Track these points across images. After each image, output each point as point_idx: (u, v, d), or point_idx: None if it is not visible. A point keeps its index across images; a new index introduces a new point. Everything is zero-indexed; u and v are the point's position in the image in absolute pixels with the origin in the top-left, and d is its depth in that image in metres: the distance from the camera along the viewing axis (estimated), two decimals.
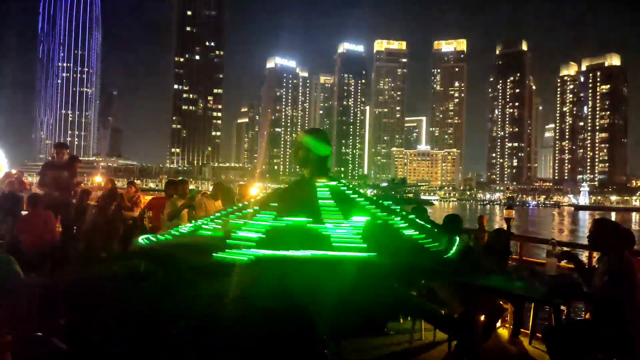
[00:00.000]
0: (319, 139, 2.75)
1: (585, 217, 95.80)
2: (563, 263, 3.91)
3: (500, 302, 4.27)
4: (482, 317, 3.98)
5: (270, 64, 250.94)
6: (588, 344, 3.06)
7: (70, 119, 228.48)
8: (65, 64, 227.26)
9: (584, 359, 3.12)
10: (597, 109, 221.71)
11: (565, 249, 3.90)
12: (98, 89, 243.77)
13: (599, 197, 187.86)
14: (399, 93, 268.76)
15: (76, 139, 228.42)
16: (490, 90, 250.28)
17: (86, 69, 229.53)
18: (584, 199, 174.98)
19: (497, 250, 4.50)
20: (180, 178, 8.51)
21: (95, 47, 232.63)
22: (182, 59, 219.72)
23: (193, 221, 2.86)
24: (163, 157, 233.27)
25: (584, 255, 4.36)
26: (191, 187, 7.82)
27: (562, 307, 3.84)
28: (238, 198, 7.37)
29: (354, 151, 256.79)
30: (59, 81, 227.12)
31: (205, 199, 7.03)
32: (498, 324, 4.60)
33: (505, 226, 5.54)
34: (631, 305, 2.96)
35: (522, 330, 4.46)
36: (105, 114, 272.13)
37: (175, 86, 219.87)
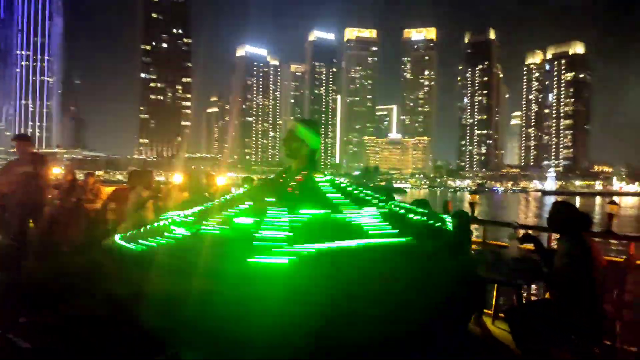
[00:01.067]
0: (314, 130, 2.73)
1: (551, 202, 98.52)
2: (524, 245, 3.93)
3: None
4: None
5: (240, 52, 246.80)
6: (549, 323, 3.17)
7: (30, 109, 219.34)
8: (24, 52, 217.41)
9: (545, 338, 3.21)
10: (562, 96, 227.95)
11: (527, 231, 3.82)
12: (60, 78, 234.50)
13: (563, 182, 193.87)
14: (369, 81, 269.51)
15: (37, 130, 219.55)
16: (459, 78, 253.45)
17: (47, 57, 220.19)
18: (550, 184, 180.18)
19: (458, 232, 4.36)
20: (146, 169, 8.36)
21: (56, 34, 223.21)
22: (148, 47, 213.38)
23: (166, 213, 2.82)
24: (131, 148, 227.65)
25: (544, 238, 4.21)
26: (160, 178, 7.54)
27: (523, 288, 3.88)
28: (205, 188, 7.14)
29: (326, 140, 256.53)
30: (18, 70, 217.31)
31: (172, 190, 6.96)
32: None
33: (471, 211, 5.54)
34: (588, 286, 3.07)
35: (485, 310, 4.53)
36: (68, 104, 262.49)
37: (142, 75, 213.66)
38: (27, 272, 6.14)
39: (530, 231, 3.81)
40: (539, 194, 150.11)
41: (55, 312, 4.31)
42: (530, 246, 3.67)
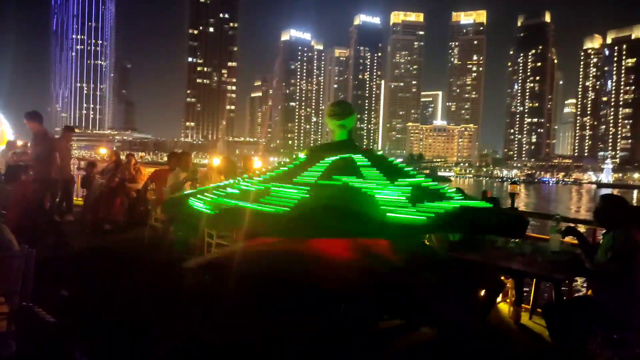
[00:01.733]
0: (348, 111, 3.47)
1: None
2: (568, 239, 3.88)
3: (501, 278, 4.28)
4: (482, 292, 4.03)
5: (284, 37, 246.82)
6: (587, 320, 3.09)
7: (85, 92, 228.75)
8: (79, 36, 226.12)
9: (583, 335, 3.14)
10: (622, 83, 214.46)
11: (570, 224, 3.81)
12: (112, 62, 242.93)
13: (621, 175, 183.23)
14: (415, 67, 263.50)
15: (91, 112, 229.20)
16: (510, 63, 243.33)
17: (100, 42, 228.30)
18: (607, 177, 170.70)
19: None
20: (185, 151, 8.39)
21: (109, 19, 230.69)
22: (195, 31, 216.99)
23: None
24: (177, 130, 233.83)
25: (589, 232, 4.27)
26: (205, 161, 7.69)
27: (564, 284, 3.84)
28: (243, 171, 7.19)
29: (369, 126, 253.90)
30: (73, 54, 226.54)
31: (210, 172, 7.08)
32: (499, 299, 4.57)
33: (509, 201, 5.38)
34: (632, 283, 2.99)
35: (523, 305, 4.43)
36: (120, 87, 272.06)
37: (190, 59, 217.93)
38: (71, 247, 6.25)
39: (572, 224, 3.81)
40: (593, 186, 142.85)
41: (93, 288, 4.43)
42: (574, 240, 3.60)
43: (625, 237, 3.03)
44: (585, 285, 4.27)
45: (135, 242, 6.82)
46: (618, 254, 2.99)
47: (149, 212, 7.24)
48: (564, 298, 3.60)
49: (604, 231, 3.36)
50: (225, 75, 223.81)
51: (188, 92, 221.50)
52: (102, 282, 4.66)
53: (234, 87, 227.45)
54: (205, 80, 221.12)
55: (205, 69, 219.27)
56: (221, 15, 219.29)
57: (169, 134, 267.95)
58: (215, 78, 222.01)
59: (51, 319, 2.30)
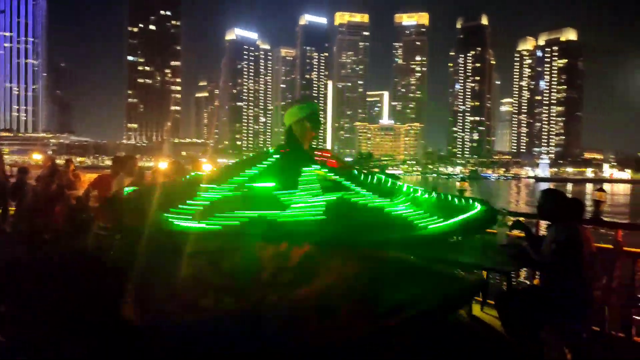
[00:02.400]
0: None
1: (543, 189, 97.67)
2: (513, 232, 3.99)
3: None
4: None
5: (230, 36, 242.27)
6: (537, 308, 3.21)
7: (15, 92, 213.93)
8: (7, 34, 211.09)
9: (534, 323, 3.25)
10: (554, 83, 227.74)
11: (517, 218, 3.88)
12: (45, 61, 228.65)
13: (556, 169, 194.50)
14: (361, 67, 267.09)
15: (23, 114, 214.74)
16: (451, 64, 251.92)
17: (31, 39, 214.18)
18: (543, 171, 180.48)
19: None
20: (129, 155, 8.20)
21: (40, 15, 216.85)
22: (135, 29, 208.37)
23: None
24: (119, 133, 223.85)
25: (533, 225, 4.38)
26: (151, 164, 7.24)
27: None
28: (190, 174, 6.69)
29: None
30: (2, 52, 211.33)
31: (157, 176, 6.77)
32: None
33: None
34: (577, 273, 3.14)
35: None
36: (54, 88, 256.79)
37: (130, 58, 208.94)
38: (6, 259, 5.97)
39: (521, 218, 3.84)
40: (531, 180, 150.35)
41: (28, 303, 4.25)
42: (520, 233, 3.74)
43: (567, 230, 3.18)
44: (531, 276, 4.38)
45: (78, 251, 6.15)
46: (562, 246, 3.14)
47: (91, 219, 6.59)
48: (515, 289, 3.68)
49: (547, 224, 3.47)
50: (169, 75, 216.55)
51: (129, 92, 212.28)
52: (46, 294, 4.40)
53: (178, 87, 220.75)
54: (147, 80, 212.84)
55: (147, 68, 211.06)
56: (162, 12, 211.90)
57: (110, 136, 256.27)
58: (158, 78, 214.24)
59: None
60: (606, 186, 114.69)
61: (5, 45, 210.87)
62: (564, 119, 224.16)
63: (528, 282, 4.95)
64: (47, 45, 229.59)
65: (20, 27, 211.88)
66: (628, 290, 3.67)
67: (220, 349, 2.58)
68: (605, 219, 4.43)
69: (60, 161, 9.48)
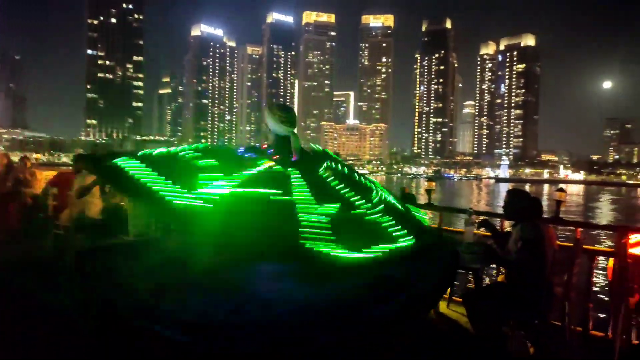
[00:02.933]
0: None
1: (504, 189, 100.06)
2: (479, 231, 4.10)
3: None
4: None
5: (195, 32, 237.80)
6: (502, 304, 3.31)
7: None
8: None
9: (499, 319, 3.38)
10: (513, 87, 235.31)
11: (484, 218, 4.00)
12: None
13: (514, 170, 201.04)
14: (327, 67, 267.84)
15: None
16: (416, 66, 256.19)
17: None
18: (504, 172, 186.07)
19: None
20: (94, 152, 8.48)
21: None
22: (95, 22, 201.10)
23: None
24: (78, 129, 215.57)
25: (497, 223, 4.45)
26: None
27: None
28: None
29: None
30: None
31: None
32: None
33: (427, 197, 5.67)
34: (540, 269, 3.25)
35: None
36: (7, 81, 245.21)
37: (89, 51, 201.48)
38: None
39: (487, 218, 3.97)
40: (492, 181, 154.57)
41: None
42: (485, 232, 3.84)
43: (532, 228, 3.30)
44: (496, 273, 4.46)
45: (36, 252, 6.32)
46: (527, 244, 3.24)
47: (49, 219, 6.56)
48: (482, 286, 3.75)
49: (512, 223, 3.59)
50: (131, 70, 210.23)
51: (88, 87, 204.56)
52: (6, 298, 4.41)
53: (140, 83, 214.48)
54: (108, 75, 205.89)
55: (107, 62, 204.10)
56: (124, 5, 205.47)
57: (67, 132, 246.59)
58: (120, 73, 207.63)
59: None
60: (562, 186, 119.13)
61: None
62: (522, 121, 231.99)
63: (492, 279, 4.97)
64: (1, 36, 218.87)
65: None
66: (585, 287, 3.84)
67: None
68: (565, 218, 4.60)
69: (15, 158, 9.04)
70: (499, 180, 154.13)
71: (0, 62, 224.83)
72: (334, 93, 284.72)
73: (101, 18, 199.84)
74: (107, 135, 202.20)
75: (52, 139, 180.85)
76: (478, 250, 3.69)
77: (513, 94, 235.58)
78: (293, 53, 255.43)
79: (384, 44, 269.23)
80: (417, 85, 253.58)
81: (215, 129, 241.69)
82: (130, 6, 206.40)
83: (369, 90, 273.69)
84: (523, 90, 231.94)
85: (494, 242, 3.65)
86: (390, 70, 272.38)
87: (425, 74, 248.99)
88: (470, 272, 3.74)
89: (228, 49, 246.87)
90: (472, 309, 3.39)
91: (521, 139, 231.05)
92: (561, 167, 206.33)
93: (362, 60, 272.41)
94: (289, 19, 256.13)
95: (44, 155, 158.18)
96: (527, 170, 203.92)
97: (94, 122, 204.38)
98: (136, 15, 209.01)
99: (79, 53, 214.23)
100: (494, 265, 4.28)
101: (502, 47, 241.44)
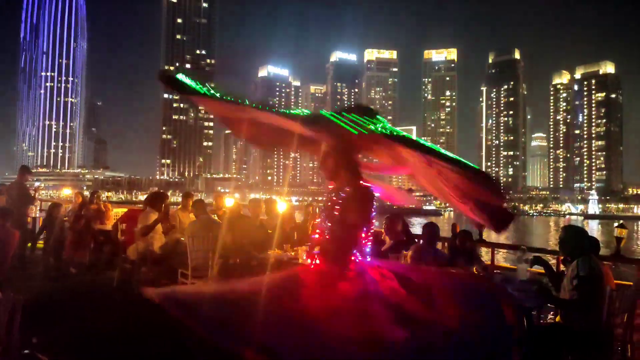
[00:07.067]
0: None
1: (597, 227, 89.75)
2: (534, 268, 3.98)
3: None
4: None
5: (262, 72, 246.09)
6: (559, 346, 3.17)
7: (54, 129, 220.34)
8: (49, 74, 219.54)
9: None
10: (593, 116, 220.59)
11: (536, 254, 3.88)
12: (83, 99, 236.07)
13: (600, 206, 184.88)
14: (390, 102, 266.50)
15: (60, 151, 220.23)
16: (482, 98, 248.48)
17: (71, 79, 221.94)
18: (593, 208, 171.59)
19: (463, 253, 4.80)
20: (159, 191, 8.75)
21: (80, 56, 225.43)
22: (172, 67, 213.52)
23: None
24: (153, 168, 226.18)
25: (554, 262, 4.50)
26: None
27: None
28: (213, 209, 7.54)
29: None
30: (42, 91, 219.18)
31: (179, 212, 7.28)
32: None
33: (478, 232, 5.39)
34: (598, 308, 3.12)
35: None
36: (89, 125, 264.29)
37: (165, 95, 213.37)
38: (35, 292, 5.96)
39: (540, 255, 3.83)
40: (575, 217, 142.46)
41: (68, 331, 4.48)
42: (540, 269, 3.77)
43: (588, 265, 3.17)
44: (553, 313, 4.29)
45: (103, 284, 6.64)
46: (584, 281, 3.10)
47: (117, 253, 6.97)
48: (537, 326, 3.62)
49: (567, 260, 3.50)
50: (202, 111, 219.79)
51: (164, 128, 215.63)
52: (72, 326, 4.63)
53: (211, 123, 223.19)
54: (181, 117, 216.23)
55: (181, 105, 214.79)
56: (198, 51, 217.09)
57: (144, 171, 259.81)
58: (192, 114, 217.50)
59: (45, 357, 2.43)
60: (622, 222, 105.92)
61: (47, 84, 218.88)
62: (604, 153, 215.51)
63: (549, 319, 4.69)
64: (86, 84, 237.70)
65: (62, 67, 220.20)
66: None
67: None
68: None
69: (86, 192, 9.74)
70: (588, 216, 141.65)
71: (84, 108, 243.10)
72: (398, 128, 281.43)
73: (177, 64, 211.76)
74: (179, 174, 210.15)
75: (130, 178, 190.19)
76: (532, 288, 3.48)
77: (593, 124, 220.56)
78: (356, 90, 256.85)
79: (447, 78, 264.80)
80: (485, 118, 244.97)
81: (281, 166, 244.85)
82: (203, 52, 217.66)
83: (432, 125, 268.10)
84: (604, 120, 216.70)
85: (548, 280, 3.53)
86: (454, 104, 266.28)
87: (494, 106, 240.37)
88: (525, 311, 3.52)
89: (293, 88, 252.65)
90: (528, 351, 3.20)
91: (604, 172, 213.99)
92: None
93: (426, 94, 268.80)
94: (352, 57, 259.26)
95: (122, 194, 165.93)
96: (615, 206, 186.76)
97: (168, 161, 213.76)
98: (208, 60, 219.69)
99: (155, 97, 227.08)
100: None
101: (577, 76, 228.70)
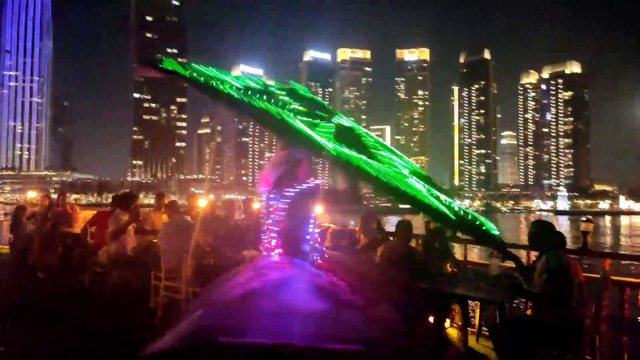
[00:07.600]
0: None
1: (567, 223, 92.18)
2: (505, 263, 4.11)
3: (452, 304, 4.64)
4: (431, 318, 4.45)
5: (235, 72, 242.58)
6: (531, 338, 3.23)
7: (19, 130, 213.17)
8: (13, 73, 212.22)
9: (528, 353, 3.29)
10: (560, 115, 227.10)
11: (507, 250, 3.92)
12: (49, 99, 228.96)
13: (568, 202, 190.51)
14: (364, 102, 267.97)
15: (26, 153, 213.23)
16: (454, 98, 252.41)
17: (36, 78, 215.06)
18: (562, 204, 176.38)
19: (436, 251, 4.89)
20: (128, 192, 8.51)
21: (46, 55, 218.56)
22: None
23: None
24: (124, 170, 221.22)
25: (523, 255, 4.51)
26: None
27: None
28: (186, 210, 7.47)
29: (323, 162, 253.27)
30: (6, 91, 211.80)
31: (151, 212, 7.15)
32: (447, 324, 4.84)
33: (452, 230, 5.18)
34: (567, 301, 3.22)
35: (469, 329, 4.63)
36: (56, 126, 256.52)
37: (136, 95, 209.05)
38: (1, 297, 5.95)
39: (511, 250, 3.89)
40: (546, 214, 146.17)
41: (36, 336, 4.40)
42: (511, 264, 3.84)
43: (557, 259, 3.28)
44: (523, 306, 4.44)
45: (73, 288, 6.54)
46: (553, 274, 3.20)
47: (88, 256, 6.96)
48: (509, 318, 3.74)
49: (537, 254, 3.59)
50: (175, 112, 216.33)
51: (135, 129, 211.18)
52: (42, 332, 4.52)
53: (184, 123, 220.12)
54: (153, 117, 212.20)
55: (152, 105, 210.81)
56: (169, 50, 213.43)
57: (114, 173, 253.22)
58: (164, 114, 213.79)
59: None
60: (624, 219, 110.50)
61: (10, 84, 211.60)
62: (572, 150, 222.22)
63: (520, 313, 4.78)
64: (52, 83, 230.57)
65: (26, 66, 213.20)
66: (619, 320, 3.68)
67: None
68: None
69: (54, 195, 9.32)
70: (558, 212, 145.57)
71: (51, 108, 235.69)
72: (371, 127, 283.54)
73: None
74: (152, 175, 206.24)
75: (100, 180, 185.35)
76: (503, 282, 3.66)
77: (561, 122, 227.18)
78: (331, 89, 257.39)
79: (420, 77, 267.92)
80: (457, 117, 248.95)
81: (256, 166, 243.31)
82: (175, 50, 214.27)
83: (406, 124, 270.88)
84: (572, 119, 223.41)
85: (519, 274, 3.59)
86: (427, 103, 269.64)
87: (465, 105, 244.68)
88: (497, 305, 3.69)
89: None
90: (501, 343, 3.35)
91: (572, 169, 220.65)
92: (622, 197, 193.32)
93: (399, 94, 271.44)
94: (326, 56, 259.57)
95: (92, 196, 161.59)
96: (582, 202, 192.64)
97: (139, 162, 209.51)
98: (180, 59, 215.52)
99: (126, 97, 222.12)
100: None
101: (545, 75, 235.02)
